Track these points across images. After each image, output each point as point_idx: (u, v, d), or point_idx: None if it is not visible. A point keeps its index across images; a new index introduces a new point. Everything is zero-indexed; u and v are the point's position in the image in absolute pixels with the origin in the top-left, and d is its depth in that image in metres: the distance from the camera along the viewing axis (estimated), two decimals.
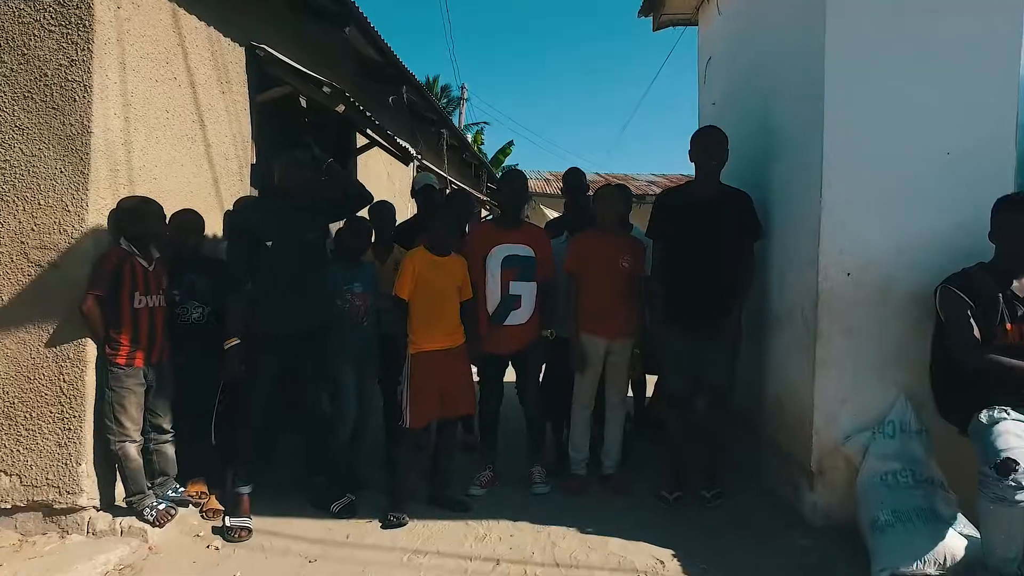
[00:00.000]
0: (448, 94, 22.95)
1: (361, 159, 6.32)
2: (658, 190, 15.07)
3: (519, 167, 21.81)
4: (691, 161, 3.32)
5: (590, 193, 4.18)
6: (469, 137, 15.53)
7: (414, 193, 4.42)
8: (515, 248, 3.49)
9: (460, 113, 21.10)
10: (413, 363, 3.18)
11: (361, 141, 6.08)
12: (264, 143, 4.45)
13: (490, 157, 19.88)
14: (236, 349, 2.97)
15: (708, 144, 3.25)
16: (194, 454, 3.28)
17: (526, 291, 3.49)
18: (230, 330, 2.97)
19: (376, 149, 6.24)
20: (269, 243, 2.98)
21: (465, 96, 21.68)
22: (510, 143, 21.65)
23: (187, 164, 3.61)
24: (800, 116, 3.04)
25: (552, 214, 14.65)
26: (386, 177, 7.15)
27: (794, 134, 3.13)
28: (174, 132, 3.49)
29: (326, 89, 4.11)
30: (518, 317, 3.49)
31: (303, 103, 5.14)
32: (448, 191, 9.34)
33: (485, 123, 24.89)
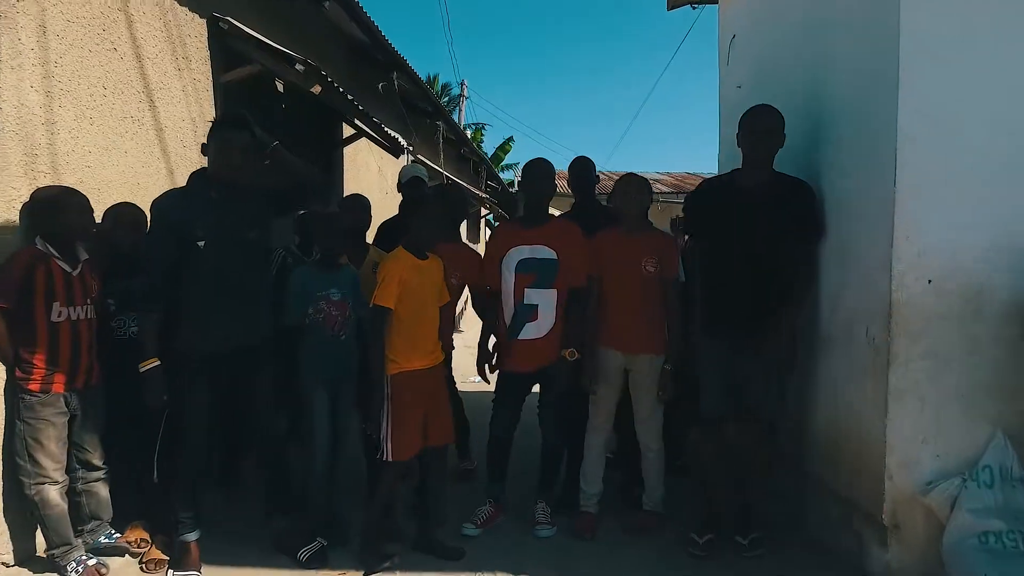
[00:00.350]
0: (448, 92, 22.46)
1: (348, 152, 5.81)
2: (664, 188, 14.53)
3: (519, 164, 21.38)
4: (739, 147, 2.82)
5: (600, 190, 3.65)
6: (468, 134, 15.00)
7: (400, 187, 3.88)
8: (533, 250, 2.96)
9: (460, 111, 20.56)
10: (394, 385, 2.67)
11: (348, 132, 5.58)
12: (270, 142, 3.93)
13: (489, 155, 19.34)
14: (157, 372, 2.45)
15: (763, 125, 2.74)
16: (133, 494, 2.77)
17: (543, 300, 2.95)
18: (148, 349, 2.45)
19: (366, 142, 5.73)
20: (201, 242, 2.45)
21: (465, 93, 21.10)
22: (510, 139, 21.16)
23: (132, 151, 3.09)
24: (864, 82, 2.50)
25: (555, 213, 14.04)
26: (377, 172, 6.63)
27: (855, 106, 2.59)
28: (115, 112, 2.97)
29: (299, 67, 3.58)
30: (534, 330, 2.96)
31: (280, 87, 4.62)
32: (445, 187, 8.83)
33: (486, 124, 24.24)
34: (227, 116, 2.58)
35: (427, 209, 2.72)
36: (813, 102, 3.01)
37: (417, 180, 3.83)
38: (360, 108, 4.28)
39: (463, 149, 9.68)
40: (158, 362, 2.44)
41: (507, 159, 21.76)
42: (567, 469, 3.35)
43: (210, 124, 2.56)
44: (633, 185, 2.99)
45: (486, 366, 3.23)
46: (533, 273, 2.96)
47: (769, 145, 2.74)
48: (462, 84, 20.79)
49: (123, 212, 2.73)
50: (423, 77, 6.62)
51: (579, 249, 2.96)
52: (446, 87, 22.72)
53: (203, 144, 2.57)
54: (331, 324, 2.88)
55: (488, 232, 18.87)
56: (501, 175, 17.75)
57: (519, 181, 3.11)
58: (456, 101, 21.22)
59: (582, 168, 3.51)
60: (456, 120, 12.76)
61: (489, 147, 21.54)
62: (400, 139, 5.19)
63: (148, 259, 2.50)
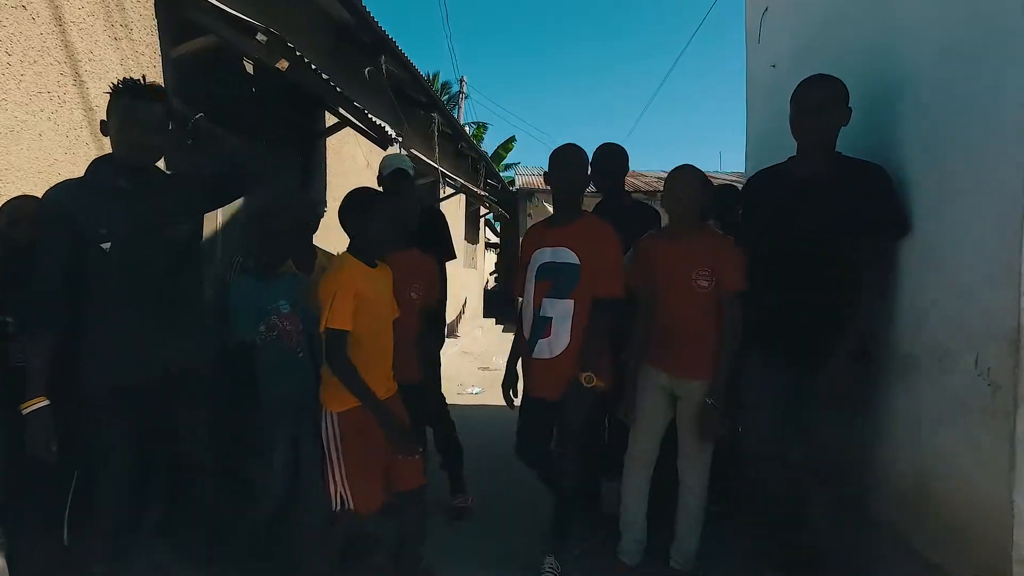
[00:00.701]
0: (448, 91, 21.90)
1: (332, 143, 5.26)
2: None
3: (521, 164, 20.83)
4: (792, 131, 2.32)
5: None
6: (467, 132, 14.40)
7: (381, 179, 3.34)
8: (555, 253, 2.48)
9: (459, 109, 19.98)
10: (343, 425, 2.13)
11: (332, 121, 5.02)
12: (193, 114, 3.38)
13: (490, 154, 18.76)
14: (43, 414, 1.89)
15: (815, 99, 2.25)
16: (39, 558, 2.22)
17: (558, 312, 2.44)
18: (34, 385, 1.89)
19: (353, 134, 5.17)
20: (106, 244, 1.90)
21: (464, 90, 20.49)
22: (512, 138, 20.52)
23: (49, 133, 2.54)
24: (970, 41, 1.95)
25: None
26: (365, 166, 6.08)
27: (952, 72, 2.03)
28: (25, 86, 2.43)
29: (261, 37, 3.02)
30: (546, 348, 2.47)
31: (249, 68, 4.08)
32: (442, 186, 8.27)
33: (487, 124, 23.54)
34: (128, 82, 2.00)
35: (383, 208, 2.18)
36: (878, 75, 2.47)
37: (401, 173, 3.28)
38: (339, 91, 3.73)
39: (460, 144, 9.11)
40: (46, 402, 1.88)
41: (508, 158, 21.18)
42: (588, 501, 2.90)
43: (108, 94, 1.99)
44: (680, 178, 2.42)
45: (512, 390, 2.75)
46: (551, 280, 2.46)
47: (823, 123, 2.25)
48: (461, 80, 20.28)
49: (22, 207, 2.18)
50: (422, 76, 6.07)
51: (607, 251, 2.43)
52: (446, 85, 22.18)
53: (102, 121, 2.01)
54: (287, 340, 2.40)
55: (488, 232, 18.36)
56: (502, 174, 17.20)
57: (544, 173, 2.56)
58: (456, 99, 20.66)
59: (606, 156, 2.98)
60: (455, 117, 12.14)
61: (490, 147, 20.96)
62: (388, 128, 4.64)
63: (36, 270, 1.93)
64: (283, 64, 3.17)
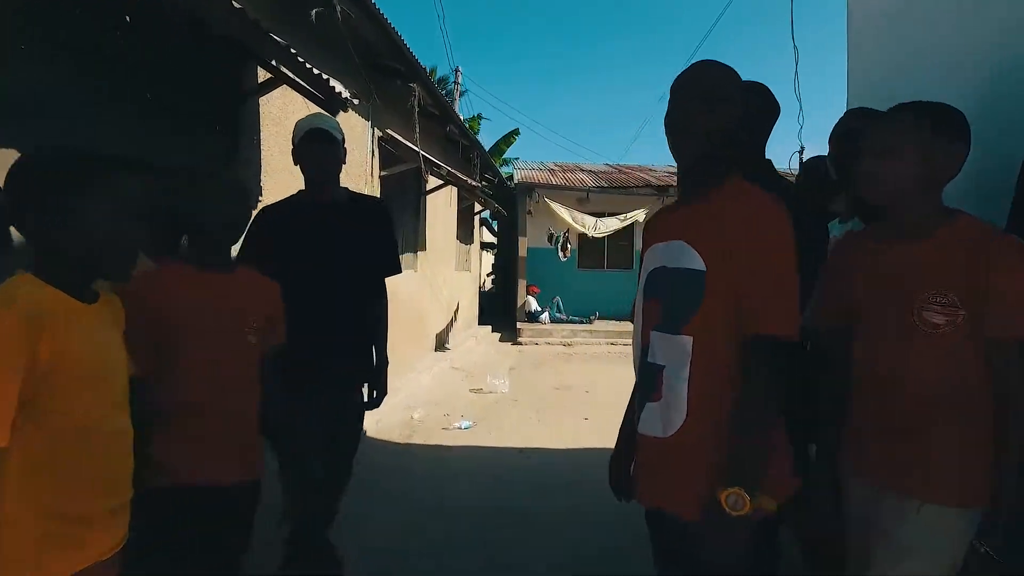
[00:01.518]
0: (446, 85, 20.67)
1: (271, 111, 4.00)
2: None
3: (520, 159, 19.46)
4: None
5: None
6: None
7: (295, 148, 2.12)
8: (667, 250, 1.42)
9: (454, 103, 18.68)
10: None
11: (265, 76, 3.75)
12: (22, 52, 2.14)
13: (489, 148, 17.48)
14: None
15: None
16: None
17: (671, 357, 1.36)
18: None
19: (303, 100, 3.91)
20: None
21: (460, 82, 19.13)
22: (515, 132, 19.26)
23: None
24: None
25: (561, 211, 12.18)
26: None
27: None
28: None
29: None
30: (656, 419, 1.39)
31: None
32: (428, 176, 6.98)
33: (482, 115, 22.12)
34: None
35: (110, 189, 1.15)
36: None
37: (319, 133, 2.05)
38: (240, 8, 2.44)
39: (450, 128, 7.84)
40: None
41: (509, 152, 19.88)
42: None
43: None
44: (891, 124, 1.35)
45: (623, 479, 1.65)
46: (659, 298, 1.42)
47: None
48: (456, 71, 18.96)
49: None
50: (395, 32, 4.83)
51: (766, 246, 1.26)
52: (443, 81, 20.94)
53: None
54: None
55: (484, 232, 17.07)
56: (503, 170, 15.94)
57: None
58: (452, 95, 19.34)
59: (750, 96, 1.76)
60: (442, 94, 10.77)
61: (489, 143, 19.74)
62: (335, 85, 3.38)
63: None
64: None
